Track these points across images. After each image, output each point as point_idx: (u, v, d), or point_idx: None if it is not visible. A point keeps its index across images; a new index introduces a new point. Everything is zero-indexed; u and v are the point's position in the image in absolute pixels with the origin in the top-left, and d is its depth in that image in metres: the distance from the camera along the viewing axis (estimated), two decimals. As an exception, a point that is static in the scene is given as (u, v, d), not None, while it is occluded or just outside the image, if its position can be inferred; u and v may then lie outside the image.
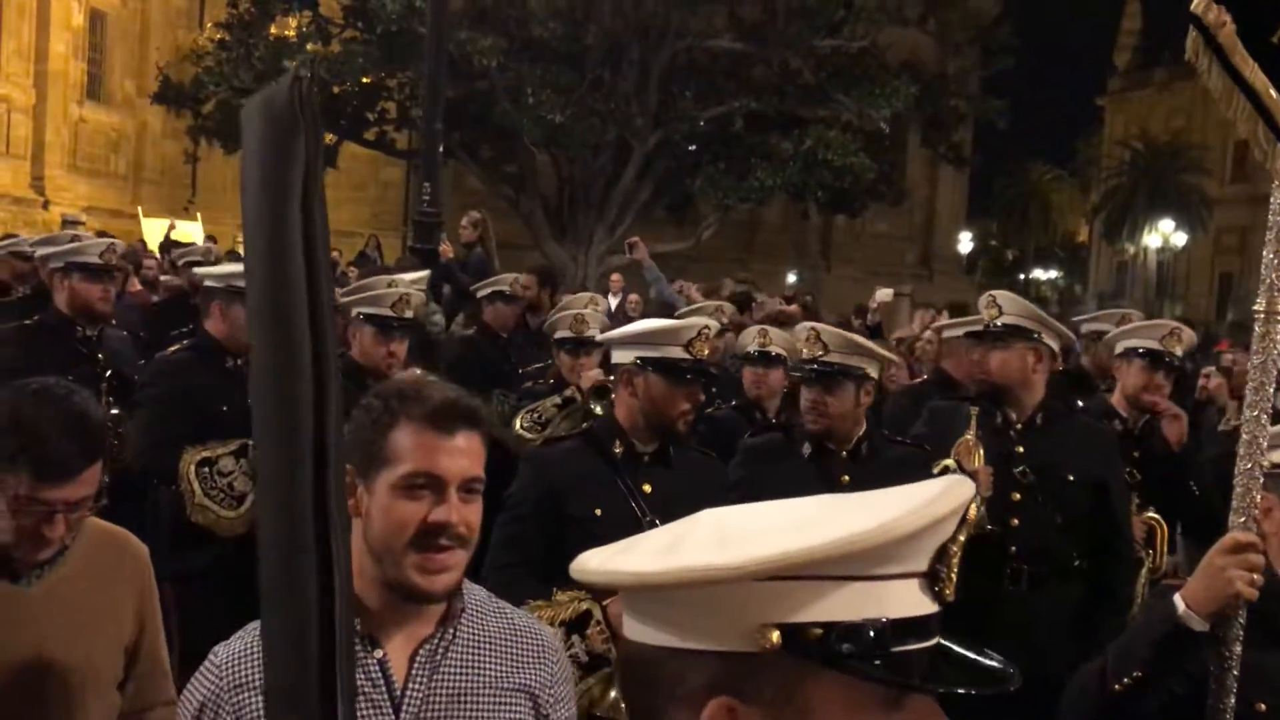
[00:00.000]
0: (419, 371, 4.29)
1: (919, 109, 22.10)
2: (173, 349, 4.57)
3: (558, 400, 4.85)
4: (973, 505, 0.88)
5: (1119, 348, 4.70)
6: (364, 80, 20.53)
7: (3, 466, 2.08)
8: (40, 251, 5.34)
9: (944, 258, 38.85)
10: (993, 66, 25.17)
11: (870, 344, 3.94)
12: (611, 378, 4.86)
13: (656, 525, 2.92)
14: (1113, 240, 52.51)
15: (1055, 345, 4.05)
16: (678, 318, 4.34)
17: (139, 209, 22.41)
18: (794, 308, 7.30)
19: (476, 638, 1.84)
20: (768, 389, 5.34)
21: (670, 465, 3.26)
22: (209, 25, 24.46)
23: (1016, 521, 3.89)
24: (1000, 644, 0.89)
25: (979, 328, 4.15)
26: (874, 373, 3.79)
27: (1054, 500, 3.92)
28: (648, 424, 3.21)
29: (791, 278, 14.86)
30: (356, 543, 1.69)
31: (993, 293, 4.11)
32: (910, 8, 23.14)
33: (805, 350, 3.83)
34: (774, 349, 5.31)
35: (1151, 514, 4.46)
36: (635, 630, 0.96)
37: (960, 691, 0.91)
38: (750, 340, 5.45)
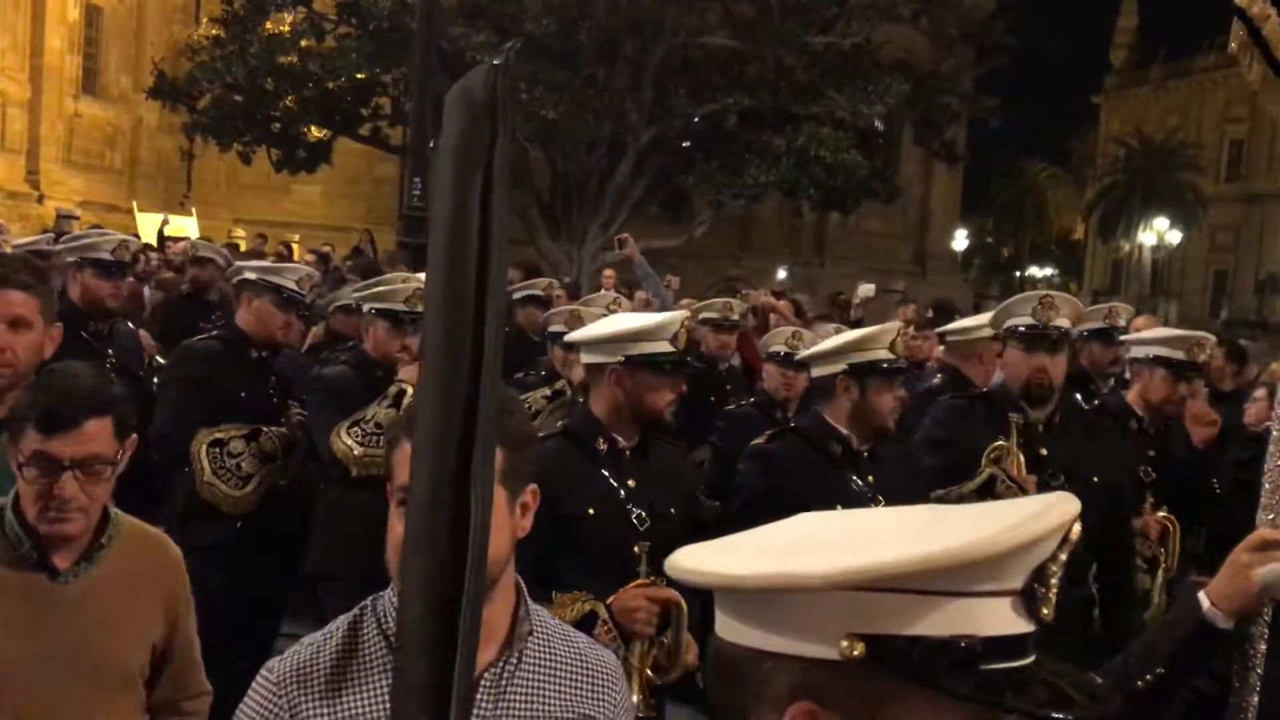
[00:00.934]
0: None
1: (911, 107, 22.16)
2: (200, 338, 4.76)
3: (547, 393, 4.93)
4: (1076, 524, 0.88)
5: (1139, 352, 4.61)
6: (358, 76, 20.56)
7: (19, 432, 2.21)
8: (57, 246, 5.45)
9: (938, 255, 38.89)
10: (986, 65, 25.22)
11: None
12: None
13: (645, 520, 3.17)
14: (1107, 238, 52.63)
15: None
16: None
17: (134, 204, 22.44)
18: (784, 303, 7.32)
19: (543, 663, 1.77)
20: (795, 391, 5.40)
21: (649, 458, 3.28)
22: (204, 21, 24.50)
23: None
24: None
25: (1034, 330, 3.88)
26: None
27: (1083, 503, 3.79)
28: (633, 418, 3.22)
29: (781, 273, 14.86)
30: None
31: (1050, 294, 3.97)
32: (904, 5, 23.15)
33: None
34: (804, 351, 5.34)
35: (1165, 513, 4.43)
36: (728, 629, 0.96)
37: (1054, 715, 0.88)
38: (780, 341, 5.51)
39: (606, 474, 3.19)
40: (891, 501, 3.27)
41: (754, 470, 3.67)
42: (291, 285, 4.62)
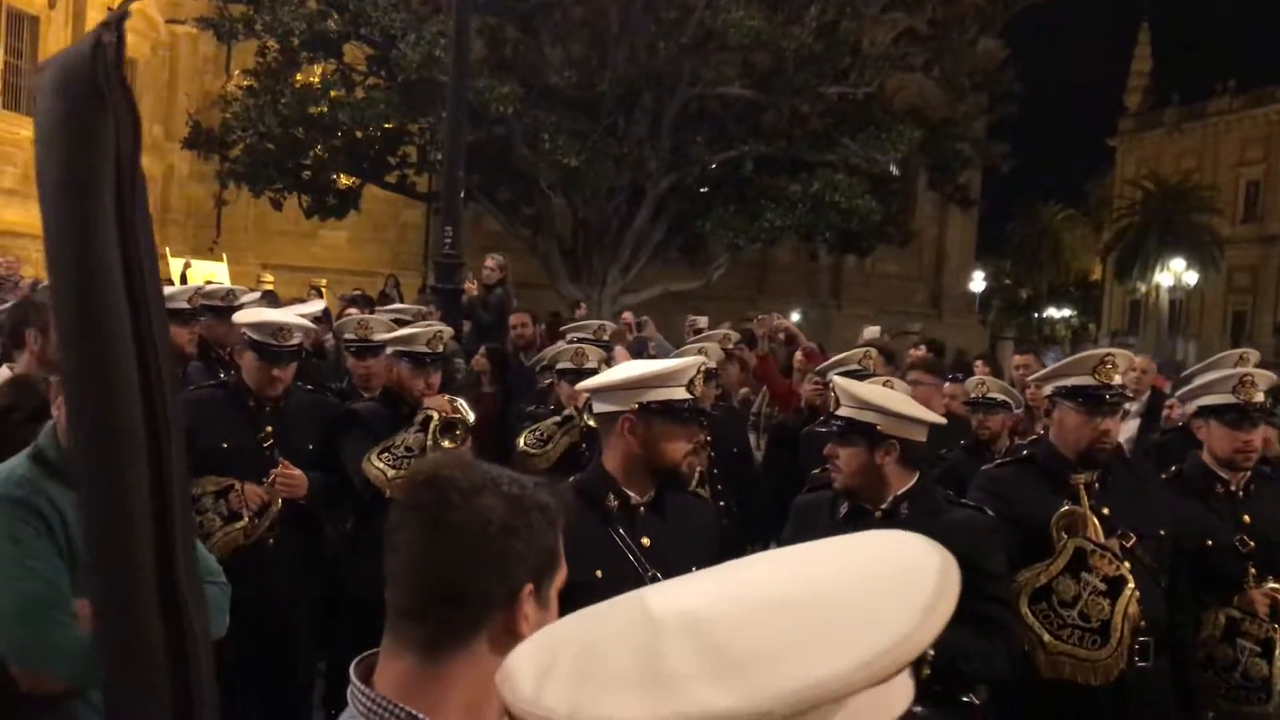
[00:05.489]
0: (447, 399, 4.84)
1: (924, 153, 22.60)
2: (202, 385, 4.86)
3: (558, 419, 5.29)
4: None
5: (1192, 407, 4.25)
6: (386, 126, 21.16)
7: None
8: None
9: (954, 297, 39.18)
10: (997, 112, 25.68)
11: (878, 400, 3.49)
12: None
13: (659, 579, 2.83)
14: (1124, 279, 52.82)
15: None
16: None
17: (166, 249, 23.06)
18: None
19: None
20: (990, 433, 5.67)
21: (666, 513, 3.11)
22: (236, 73, 25.22)
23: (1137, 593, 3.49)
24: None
25: (1099, 391, 3.70)
26: (895, 431, 3.35)
27: (1156, 561, 3.64)
28: (648, 469, 3.05)
29: (795, 316, 15.17)
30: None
31: (1112, 353, 3.78)
32: (916, 54, 23.66)
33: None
34: (998, 395, 5.73)
35: (1275, 585, 4.01)
36: None
37: None
38: (974, 388, 5.86)
39: (617, 533, 3.01)
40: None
41: None
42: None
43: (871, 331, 9.48)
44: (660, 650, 0.76)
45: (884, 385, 4.32)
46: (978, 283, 46.38)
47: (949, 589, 0.78)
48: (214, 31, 21.99)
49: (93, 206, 0.69)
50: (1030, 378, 5.56)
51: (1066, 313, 66.39)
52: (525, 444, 5.19)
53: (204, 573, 2.94)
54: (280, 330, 4.48)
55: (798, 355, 7.30)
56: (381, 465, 4.53)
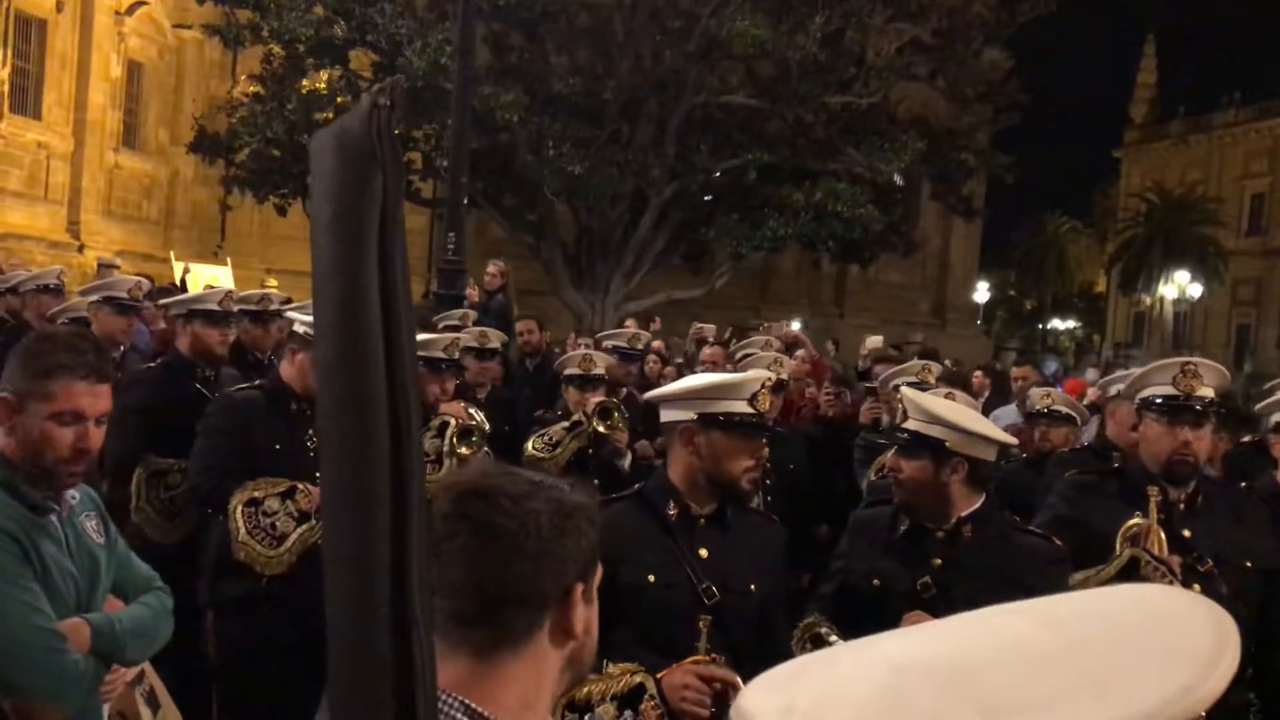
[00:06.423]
0: (462, 405, 4.86)
1: (927, 163, 22.62)
2: (242, 386, 4.75)
3: (566, 424, 5.30)
4: None
5: (1271, 420, 4.26)
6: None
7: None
8: (162, 301, 6.02)
9: (958, 307, 39.20)
10: (1001, 123, 25.71)
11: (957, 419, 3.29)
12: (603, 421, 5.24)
13: (714, 592, 2.96)
14: (1129, 291, 52.81)
15: None
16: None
17: (171, 253, 23.11)
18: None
19: None
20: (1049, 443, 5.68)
21: (727, 528, 3.07)
22: (243, 78, 25.29)
23: None
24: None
25: (1179, 400, 3.57)
26: (964, 449, 3.21)
27: (1237, 591, 3.47)
28: (709, 483, 3.03)
29: (797, 324, 15.10)
30: (556, 666, 1.50)
31: (1192, 361, 3.64)
32: (921, 65, 23.69)
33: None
34: (1062, 408, 5.79)
35: None
36: None
37: None
38: (1039, 400, 5.90)
39: (675, 542, 3.01)
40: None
41: None
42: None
43: (874, 341, 9.46)
44: (910, 696, 0.73)
45: (945, 397, 4.09)
46: (982, 293, 46.37)
47: (1230, 641, 0.75)
48: (220, 37, 22.06)
49: (357, 247, 0.78)
50: (1117, 388, 5.57)
51: (1071, 324, 66.39)
52: (533, 449, 5.18)
53: (142, 581, 2.85)
54: None
55: (794, 363, 7.28)
56: None
